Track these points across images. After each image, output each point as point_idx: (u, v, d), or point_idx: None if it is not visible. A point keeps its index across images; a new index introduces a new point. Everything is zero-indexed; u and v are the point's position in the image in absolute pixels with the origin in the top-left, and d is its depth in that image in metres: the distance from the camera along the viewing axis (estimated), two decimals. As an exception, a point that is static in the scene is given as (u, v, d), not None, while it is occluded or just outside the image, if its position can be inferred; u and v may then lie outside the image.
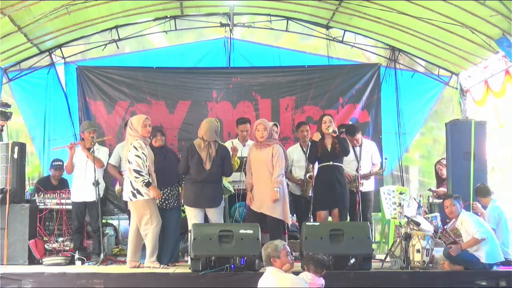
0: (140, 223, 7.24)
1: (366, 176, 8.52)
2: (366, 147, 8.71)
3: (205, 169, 7.30)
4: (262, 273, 5.51)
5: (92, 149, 8.00)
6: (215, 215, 7.38)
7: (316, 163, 7.94)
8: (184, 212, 8.88)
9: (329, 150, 7.74)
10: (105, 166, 8.31)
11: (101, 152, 8.26)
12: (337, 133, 7.68)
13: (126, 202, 7.65)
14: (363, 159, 8.54)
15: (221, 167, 7.37)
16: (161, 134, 7.96)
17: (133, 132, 7.28)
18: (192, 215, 7.40)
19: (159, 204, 7.45)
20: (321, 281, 5.68)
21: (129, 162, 7.19)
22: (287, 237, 8.18)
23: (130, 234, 7.40)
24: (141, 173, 7.13)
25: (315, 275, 5.62)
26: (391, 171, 10.34)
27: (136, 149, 7.17)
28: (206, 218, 7.54)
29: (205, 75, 10.30)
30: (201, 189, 7.34)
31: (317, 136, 7.75)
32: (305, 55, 10.57)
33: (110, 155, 8.59)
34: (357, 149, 8.55)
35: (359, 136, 8.63)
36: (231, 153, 7.61)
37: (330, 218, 7.94)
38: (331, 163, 7.73)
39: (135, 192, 7.17)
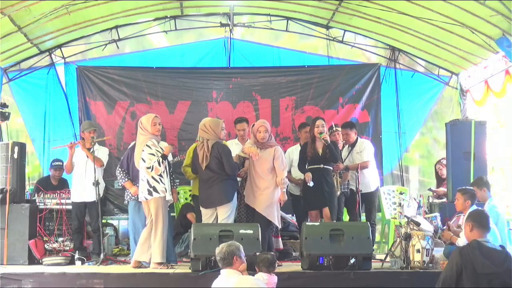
0: (155, 221, 7.20)
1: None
2: (358, 148, 8.68)
3: (202, 168, 7.35)
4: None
5: (92, 149, 8.01)
6: (223, 214, 7.33)
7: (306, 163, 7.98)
8: (183, 213, 8.91)
9: (320, 154, 7.86)
10: (105, 165, 8.32)
11: (101, 152, 8.28)
12: (329, 142, 7.76)
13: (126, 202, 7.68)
14: (352, 160, 8.56)
15: (220, 165, 7.34)
16: None
17: (143, 131, 7.36)
18: (206, 216, 7.44)
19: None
20: (275, 279, 5.76)
21: (143, 161, 7.25)
22: (280, 241, 8.17)
23: (144, 233, 7.32)
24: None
25: (269, 274, 5.69)
26: (391, 171, 10.34)
27: (149, 147, 7.27)
28: None
29: (205, 75, 10.27)
30: (208, 188, 7.40)
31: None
32: (305, 55, 10.55)
33: (109, 155, 8.61)
34: (348, 148, 8.57)
35: (351, 132, 8.66)
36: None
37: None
38: (321, 166, 7.85)
39: (151, 190, 7.21)
